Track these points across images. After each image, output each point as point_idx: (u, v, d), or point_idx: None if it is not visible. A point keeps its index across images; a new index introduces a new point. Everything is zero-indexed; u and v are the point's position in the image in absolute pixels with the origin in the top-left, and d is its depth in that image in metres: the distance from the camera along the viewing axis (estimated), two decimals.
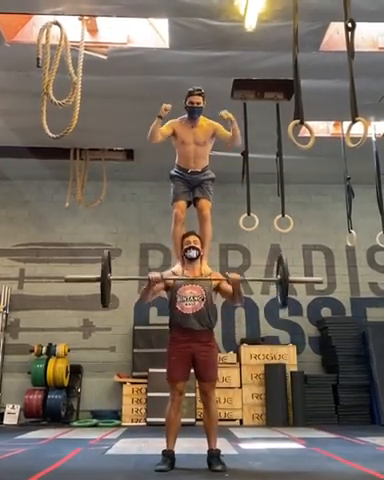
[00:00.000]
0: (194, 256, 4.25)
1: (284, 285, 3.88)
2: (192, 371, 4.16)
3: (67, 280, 4.18)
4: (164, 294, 4.34)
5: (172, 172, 4.66)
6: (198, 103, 4.49)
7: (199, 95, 4.50)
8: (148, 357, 8.76)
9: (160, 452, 4.04)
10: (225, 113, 4.54)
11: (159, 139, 4.52)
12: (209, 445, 4.04)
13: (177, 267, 4.40)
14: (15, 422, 8.41)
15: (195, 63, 6.28)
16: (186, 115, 4.60)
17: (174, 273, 4.31)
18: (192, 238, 4.31)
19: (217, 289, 4.26)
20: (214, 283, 4.23)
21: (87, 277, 4.12)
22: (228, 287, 4.14)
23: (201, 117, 4.60)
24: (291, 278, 3.98)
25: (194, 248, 4.25)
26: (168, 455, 3.99)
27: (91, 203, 8.87)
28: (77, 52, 5.30)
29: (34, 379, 8.60)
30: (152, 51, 6.09)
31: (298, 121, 4.04)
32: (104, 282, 3.84)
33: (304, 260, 9.99)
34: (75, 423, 8.35)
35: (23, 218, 10.00)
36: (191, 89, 4.52)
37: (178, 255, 4.46)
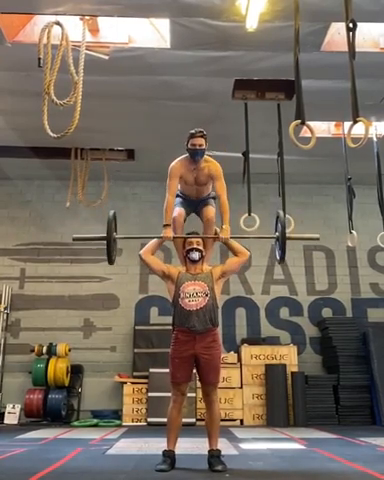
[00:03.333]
0: (197, 258, 4.22)
1: (282, 241, 4.25)
2: (194, 372, 4.15)
3: (75, 239, 4.64)
4: (158, 270, 4.29)
5: (177, 192, 4.65)
6: (200, 145, 4.32)
7: (201, 137, 4.33)
8: (149, 357, 8.78)
9: (161, 452, 4.04)
10: (221, 232, 4.35)
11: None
12: (210, 445, 4.04)
13: (181, 267, 4.38)
14: (15, 422, 8.41)
15: (196, 63, 6.28)
16: (188, 155, 4.45)
17: (180, 271, 4.27)
18: (195, 240, 4.28)
19: (223, 271, 4.26)
20: (216, 273, 4.22)
21: (94, 236, 4.43)
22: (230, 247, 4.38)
23: (204, 158, 4.46)
24: (288, 235, 4.32)
25: (197, 250, 4.22)
26: (168, 455, 3.98)
27: (92, 203, 8.87)
28: (78, 52, 5.30)
29: (35, 379, 8.61)
30: (153, 51, 6.09)
31: (299, 121, 4.04)
32: (109, 240, 4.25)
33: (305, 260, 9.99)
34: (75, 423, 8.35)
35: (24, 218, 10.01)
36: (193, 131, 4.35)
37: (181, 258, 4.43)
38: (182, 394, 4.09)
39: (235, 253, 4.38)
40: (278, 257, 4.42)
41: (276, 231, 4.36)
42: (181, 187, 4.64)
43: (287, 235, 4.26)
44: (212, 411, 4.08)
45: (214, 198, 4.63)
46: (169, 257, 8.65)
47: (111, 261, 4.35)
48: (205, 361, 4.02)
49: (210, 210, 4.54)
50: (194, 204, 4.64)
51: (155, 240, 4.41)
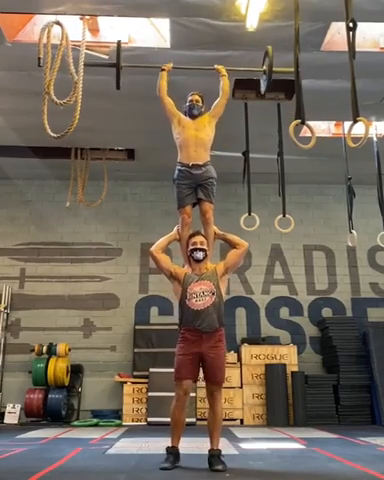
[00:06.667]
0: (201, 258, 4.25)
1: (268, 75, 4.75)
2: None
3: (86, 64, 5.05)
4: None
5: (174, 174, 4.64)
6: (196, 101, 4.75)
7: (197, 95, 4.80)
8: (149, 357, 8.79)
9: (160, 451, 4.06)
10: (218, 66, 4.95)
11: (168, 99, 4.76)
12: (211, 445, 4.04)
13: (187, 267, 4.40)
14: (16, 421, 8.42)
15: (196, 63, 6.26)
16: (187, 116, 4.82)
17: (186, 273, 4.29)
18: (199, 239, 4.30)
19: (226, 266, 4.30)
20: (220, 270, 4.25)
21: (104, 62, 5.01)
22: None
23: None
24: (274, 68, 4.76)
25: (201, 250, 4.25)
26: (172, 452, 4.01)
27: (92, 203, 8.88)
28: (78, 51, 5.30)
29: (35, 378, 8.61)
30: (153, 51, 6.08)
31: (299, 121, 4.04)
32: (118, 67, 4.80)
33: (305, 260, 10.00)
34: (75, 423, 8.34)
35: (24, 218, 10.01)
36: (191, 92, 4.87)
37: (185, 257, 4.45)
38: (185, 393, 4.07)
39: (233, 245, 4.42)
40: (263, 88, 4.84)
41: (263, 65, 4.78)
42: (180, 145, 4.67)
43: (273, 69, 4.73)
44: (215, 410, 4.09)
45: (214, 179, 4.62)
46: (169, 257, 8.64)
47: (118, 86, 4.86)
48: (211, 360, 4.04)
49: (209, 208, 4.55)
50: (195, 181, 4.54)
51: (166, 237, 4.51)
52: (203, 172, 4.55)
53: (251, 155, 6.89)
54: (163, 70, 4.84)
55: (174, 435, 4.07)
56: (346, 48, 3.93)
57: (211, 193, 4.58)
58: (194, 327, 4.06)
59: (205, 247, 4.28)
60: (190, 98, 4.80)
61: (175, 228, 4.59)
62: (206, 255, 4.28)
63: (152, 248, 4.41)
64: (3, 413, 8.56)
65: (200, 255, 4.24)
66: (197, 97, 4.80)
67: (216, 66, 4.94)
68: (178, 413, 4.05)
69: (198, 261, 4.25)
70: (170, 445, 4.06)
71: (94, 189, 9.13)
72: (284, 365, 8.58)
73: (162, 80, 4.83)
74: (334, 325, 9.16)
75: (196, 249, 4.25)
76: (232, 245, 4.44)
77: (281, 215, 6.81)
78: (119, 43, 4.80)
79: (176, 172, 4.63)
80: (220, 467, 3.84)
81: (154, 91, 6.93)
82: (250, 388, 8.62)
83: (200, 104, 4.77)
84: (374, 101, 6.89)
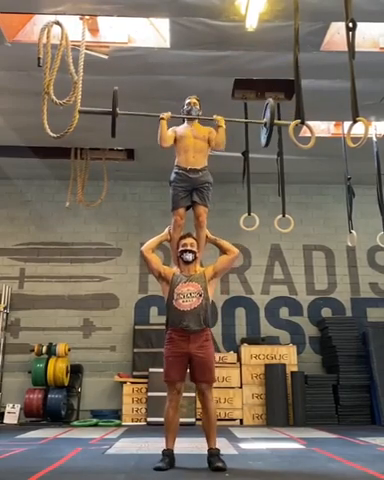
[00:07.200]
0: (190, 259, 4.28)
1: (269, 127, 4.58)
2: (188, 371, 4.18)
3: (80, 111, 4.94)
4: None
5: (171, 177, 4.67)
6: (194, 104, 4.77)
7: (195, 99, 4.82)
8: (148, 357, 8.78)
9: (160, 452, 4.06)
10: (218, 117, 4.73)
11: (170, 142, 4.64)
12: (209, 444, 4.05)
13: (175, 268, 4.44)
14: (15, 421, 8.42)
15: (196, 63, 6.29)
16: (184, 123, 4.81)
17: (174, 273, 4.34)
18: (189, 241, 4.34)
19: (215, 271, 4.32)
20: (209, 274, 4.28)
21: (100, 110, 4.88)
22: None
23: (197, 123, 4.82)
24: (275, 121, 4.64)
25: (190, 251, 4.28)
26: (167, 454, 4.01)
27: (92, 203, 8.88)
28: (78, 52, 5.30)
29: (34, 378, 8.60)
30: (153, 51, 6.09)
31: (299, 121, 4.04)
32: (114, 115, 4.70)
33: (305, 260, 10.00)
34: (75, 423, 8.35)
35: (24, 218, 10.01)
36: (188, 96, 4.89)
37: (175, 258, 4.48)
38: (178, 393, 4.13)
39: (224, 251, 4.46)
40: (263, 143, 4.69)
41: (264, 117, 4.65)
42: (178, 151, 4.68)
43: (274, 121, 4.58)
44: (208, 409, 4.10)
45: (211, 184, 4.64)
46: (169, 257, 8.64)
47: (114, 134, 4.70)
48: (200, 360, 4.07)
49: (203, 211, 4.58)
50: (191, 184, 4.56)
51: (157, 237, 4.53)
52: (200, 176, 4.57)
53: (251, 155, 6.89)
54: (162, 119, 4.61)
55: (169, 437, 4.09)
56: (346, 48, 3.94)
57: (206, 197, 4.61)
58: (181, 328, 4.12)
59: (195, 249, 4.32)
60: (188, 101, 4.81)
61: (166, 228, 4.61)
62: (196, 257, 4.32)
63: (143, 247, 4.44)
64: (3, 413, 8.56)
65: (189, 257, 4.27)
66: (195, 100, 4.82)
67: (215, 116, 4.70)
68: (172, 413, 4.09)
69: (187, 263, 4.29)
70: (165, 447, 4.07)
71: (94, 189, 9.13)
72: (284, 365, 8.59)
73: (163, 130, 4.59)
74: (334, 325, 9.16)
75: (186, 251, 4.29)
76: (223, 251, 4.48)
77: (281, 215, 6.81)
78: (115, 92, 4.68)
79: (173, 175, 4.65)
80: (220, 465, 3.84)
81: (154, 91, 6.98)
82: (250, 388, 8.62)
83: (198, 107, 4.79)
84: (374, 101, 6.89)
